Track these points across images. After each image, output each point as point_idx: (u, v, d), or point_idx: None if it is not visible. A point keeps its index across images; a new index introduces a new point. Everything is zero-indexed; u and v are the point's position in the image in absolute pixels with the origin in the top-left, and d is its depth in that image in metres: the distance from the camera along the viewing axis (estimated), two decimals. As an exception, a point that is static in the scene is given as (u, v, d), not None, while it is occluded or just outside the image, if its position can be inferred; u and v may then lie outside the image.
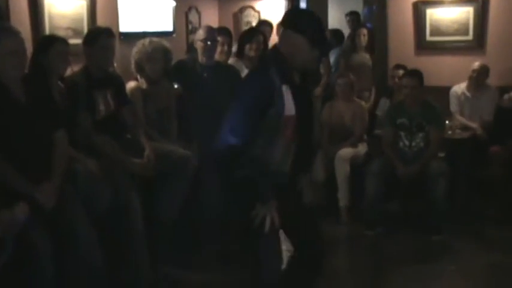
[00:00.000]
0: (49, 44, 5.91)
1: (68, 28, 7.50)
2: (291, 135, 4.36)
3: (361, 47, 10.19)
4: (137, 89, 6.61)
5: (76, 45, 6.54)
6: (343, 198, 7.96)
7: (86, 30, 7.36)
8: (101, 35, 6.15)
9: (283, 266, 4.65)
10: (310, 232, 4.60)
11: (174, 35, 9.90)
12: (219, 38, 7.33)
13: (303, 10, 4.19)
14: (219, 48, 7.38)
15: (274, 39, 9.04)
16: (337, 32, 11.40)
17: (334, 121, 8.32)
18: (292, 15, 4.44)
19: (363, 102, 8.73)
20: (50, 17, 7.29)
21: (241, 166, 4.23)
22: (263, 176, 4.23)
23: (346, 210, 7.94)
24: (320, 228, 4.78)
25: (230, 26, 10.85)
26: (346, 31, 11.95)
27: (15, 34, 5.13)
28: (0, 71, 4.92)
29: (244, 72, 7.53)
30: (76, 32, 7.43)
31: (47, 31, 7.16)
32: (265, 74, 4.26)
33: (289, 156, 4.40)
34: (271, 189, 4.24)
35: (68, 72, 6.06)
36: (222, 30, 8.04)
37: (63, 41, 6.02)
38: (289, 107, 4.25)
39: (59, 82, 5.88)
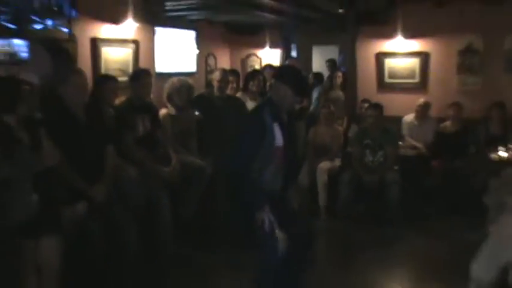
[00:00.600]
0: (104, 81, 5.96)
1: (118, 69, 7.51)
2: (280, 161, 4.44)
3: (337, 86, 10.18)
4: (167, 115, 6.62)
5: (123, 81, 6.58)
6: (322, 200, 7.92)
7: (131, 70, 7.38)
8: (141, 74, 6.20)
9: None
10: (299, 228, 4.57)
11: (196, 75, 9.91)
12: (230, 78, 7.38)
13: (290, 67, 4.75)
14: (229, 85, 7.44)
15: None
16: (318, 75, 11.37)
17: (317, 141, 8.30)
18: (282, 70, 4.57)
19: (339, 127, 8.74)
20: (105, 61, 7.31)
21: (243, 185, 4.33)
22: (257, 192, 4.31)
23: (324, 209, 7.90)
24: (309, 225, 4.90)
25: (239, 68, 10.90)
26: (326, 73, 11.96)
27: (81, 73, 5.22)
28: (69, 100, 4.99)
29: (248, 103, 7.55)
30: (124, 72, 7.44)
31: (103, 71, 7.19)
32: (260, 116, 4.39)
33: (279, 176, 4.48)
34: (265, 201, 4.28)
35: (116, 101, 6.07)
36: (233, 72, 8.11)
37: (114, 79, 6.07)
38: (278, 140, 4.36)
39: (110, 109, 5.90)
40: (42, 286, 4.38)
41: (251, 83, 7.95)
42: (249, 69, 10.85)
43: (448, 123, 8.53)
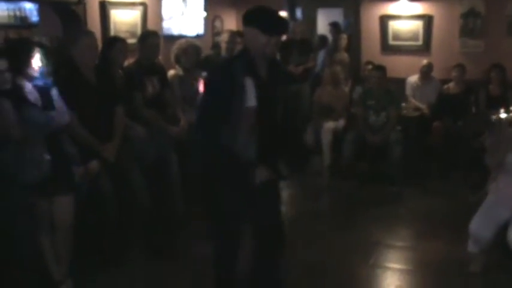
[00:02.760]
0: (113, 42, 5.94)
1: (127, 31, 7.50)
2: (252, 125, 3.66)
3: (341, 48, 10.13)
4: (175, 75, 6.60)
5: (132, 44, 6.57)
6: (326, 158, 7.93)
7: (139, 32, 7.35)
8: (149, 36, 6.17)
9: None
10: (271, 220, 3.99)
11: (203, 37, 9.86)
12: (238, 39, 7.34)
13: (255, 7, 3.74)
14: (238, 47, 7.37)
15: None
16: (323, 37, 11.31)
17: (322, 101, 8.28)
18: (245, 13, 3.74)
19: (345, 88, 8.71)
20: (114, 24, 7.31)
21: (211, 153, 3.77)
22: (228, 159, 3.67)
23: (328, 168, 7.92)
24: (281, 221, 4.16)
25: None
26: (330, 36, 11.86)
27: (91, 35, 5.21)
28: (80, 61, 4.99)
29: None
30: (132, 34, 7.43)
31: (112, 33, 7.17)
32: (227, 68, 3.73)
33: (252, 142, 3.67)
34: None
35: (126, 63, 6.07)
36: (241, 34, 8.03)
37: (123, 40, 6.05)
38: (250, 99, 3.61)
39: (119, 70, 5.90)
40: (56, 244, 4.45)
41: None
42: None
43: (451, 84, 8.49)
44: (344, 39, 10.18)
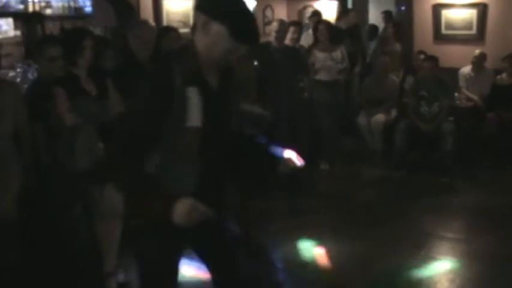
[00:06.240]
0: (166, 32, 5.94)
1: (179, 21, 7.53)
2: (193, 151, 2.61)
3: (390, 37, 9.97)
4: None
5: (185, 33, 6.57)
6: (377, 149, 7.96)
7: (191, 22, 7.36)
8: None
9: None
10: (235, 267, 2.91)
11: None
12: (292, 28, 7.27)
13: None
14: (290, 35, 7.31)
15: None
16: (374, 27, 11.21)
17: (374, 91, 8.20)
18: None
19: (394, 78, 8.59)
20: (167, 13, 7.34)
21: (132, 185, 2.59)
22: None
23: (380, 158, 7.89)
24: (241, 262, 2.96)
25: (295, 19, 10.75)
26: (381, 25, 11.72)
27: (147, 25, 5.24)
28: (136, 51, 5.01)
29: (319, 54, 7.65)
30: (185, 24, 7.45)
31: (164, 23, 7.20)
32: (165, 72, 2.56)
33: (191, 178, 2.63)
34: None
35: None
36: (295, 23, 7.96)
37: (175, 30, 6.05)
38: (194, 116, 2.54)
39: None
40: (107, 230, 4.46)
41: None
42: (305, 21, 10.68)
43: (504, 75, 8.30)
44: (390, 27, 10.03)
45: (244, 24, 2.56)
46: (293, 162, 3.00)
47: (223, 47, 2.55)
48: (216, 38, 2.53)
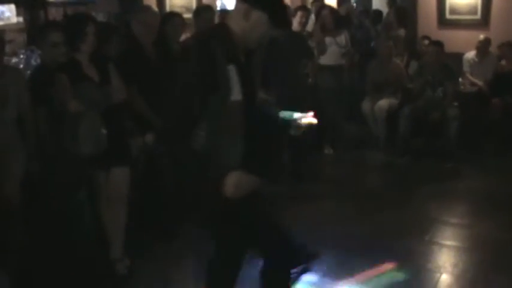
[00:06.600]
0: (170, 18, 5.92)
1: (182, 6, 7.51)
2: (239, 124, 2.84)
3: (393, 22, 9.90)
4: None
5: (187, 18, 6.55)
6: (381, 135, 7.89)
7: (194, 7, 7.35)
8: (204, 10, 6.15)
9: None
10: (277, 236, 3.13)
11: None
12: (299, 13, 7.23)
13: None
14: (298, 19, 7.26)
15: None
16: (379, 12, 11.14)
17: (378, 75, 8.16)
18: None
19: (398, 61, 8.54)
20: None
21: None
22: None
23: (384, 144, 7.85)
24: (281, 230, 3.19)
25: (298, 4, 10.67)
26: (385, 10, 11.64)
27: (150, 10, 5.23)
28: (139, 36, 5.00)
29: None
30: (188, 9, 7.43)
31: (167, 8, 7.18)
32: (205, 51, 2.78)
33: (238, 150, 2.81)
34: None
35: (182, 37, 6.06)
36: (302, 7, 7.92)
37: (179, 15, 6.03)
38: (236, 91, 2.80)
39: (176, 45, 5.89)
40: (112, 215, 4.47)
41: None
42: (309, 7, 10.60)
43: (503, 62, 8.28)
44: (389, 13, 9.98)
45: (280, 12, 2.94)
46: (305, 123, 3.13)
47: (260, 31, 2.90)
48: (255, 23, 2.86)
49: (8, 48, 5.84)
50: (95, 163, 4.25)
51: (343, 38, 7.85)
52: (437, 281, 4.45)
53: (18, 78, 4.38)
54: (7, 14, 7.21)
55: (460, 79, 8.29)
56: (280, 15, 2.93)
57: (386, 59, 8.20)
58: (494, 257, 4.83)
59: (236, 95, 2.79)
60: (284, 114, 3.14)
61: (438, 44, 7.83)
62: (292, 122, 3.12)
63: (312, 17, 8.39)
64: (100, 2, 7.40)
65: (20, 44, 6.89)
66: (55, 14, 7.36)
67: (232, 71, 2.78)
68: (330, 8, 8.18)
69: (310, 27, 8.12)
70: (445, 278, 4.51)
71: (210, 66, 2.73)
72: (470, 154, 7.53)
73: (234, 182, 2.75)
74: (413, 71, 8.28)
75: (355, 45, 8.84)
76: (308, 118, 3.12)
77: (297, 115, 3.13)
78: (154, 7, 6.72)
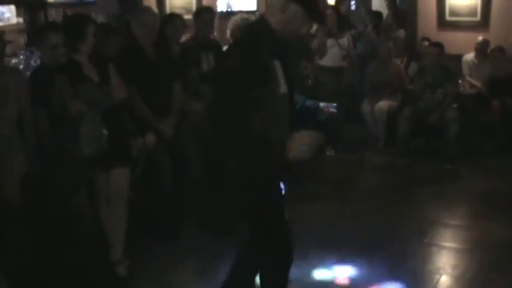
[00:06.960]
0: (170, 19, 5.94)
1: (182, 7, 7.51)
2: (286, 114, 3.09)
3: (392, 23, 9.89)
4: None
5: (187, 20, 6.56)
6: (381, 136, 7.92)
7: (194, 8, 7.35)
8: (204, 12, 6.16)
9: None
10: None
11: (257, 13, 9.82)
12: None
13: None
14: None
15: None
16: (378, 13, 11.12)
17: (378, 75, 8.17)
18: None
19: (398, 62, 8.54)
20: (170, 0, 7.33)
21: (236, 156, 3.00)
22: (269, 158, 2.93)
23: (383, 145, 7.88)
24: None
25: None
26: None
27: (150, 11, 5.22)
28: (140, 37, 5.02)
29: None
30: (188, 11, 7.43)
31: (167, 9, 7.18)
32: (253, 49, 2.94)
33: (286, 138, 2.90)
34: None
35: (182, 39, 6.06)
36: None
37: (180, 16, 6.05)
38: (283, 85, 3.02)
39: (176, 46, 5.90)
40: (112, 216, 4.46)
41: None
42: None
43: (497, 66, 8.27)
44: (389, 15, 9.97)
45: (316, 6, 3.04)
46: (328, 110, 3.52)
47: (297, 24, 3.01)
48: (292, 17, 2.95)
49: (8, 49, 5.84)
50: (95, 164, 4.26)
51: (345, 40, 7.86)
52: (436, 283, 4.45)
53: (18, 79, 4.38)
54: (7, 14, 7.21)
55: (459, 81, 8.30)
56: (315, 9, 3.02)
57: (386, 60, 8.21)
58: (494, 258, 4.82)
59: (283, 87, 3.01)
60: (310, 102, 3.49)
61: (438, 46, 7.83)
62: (319, 109, 3.52)
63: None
64: (100, 3, 7.40)
65: (19, 44, 6.89)
66: (55, 15, 7.36)
67: (277, 65, 2.99)
68: (334, 8, 8.20)
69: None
70: (444, 279, 4.50)
71: (259, 65, 2.88)
72: (469, 156, 7.53)
73: (298, 142, 2.88)
74: (413, 73, 8.30)
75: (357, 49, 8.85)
76: (331, 106, 3.43)
77: (322, 104, 3.55)
78: (154, 8, 6.74)
